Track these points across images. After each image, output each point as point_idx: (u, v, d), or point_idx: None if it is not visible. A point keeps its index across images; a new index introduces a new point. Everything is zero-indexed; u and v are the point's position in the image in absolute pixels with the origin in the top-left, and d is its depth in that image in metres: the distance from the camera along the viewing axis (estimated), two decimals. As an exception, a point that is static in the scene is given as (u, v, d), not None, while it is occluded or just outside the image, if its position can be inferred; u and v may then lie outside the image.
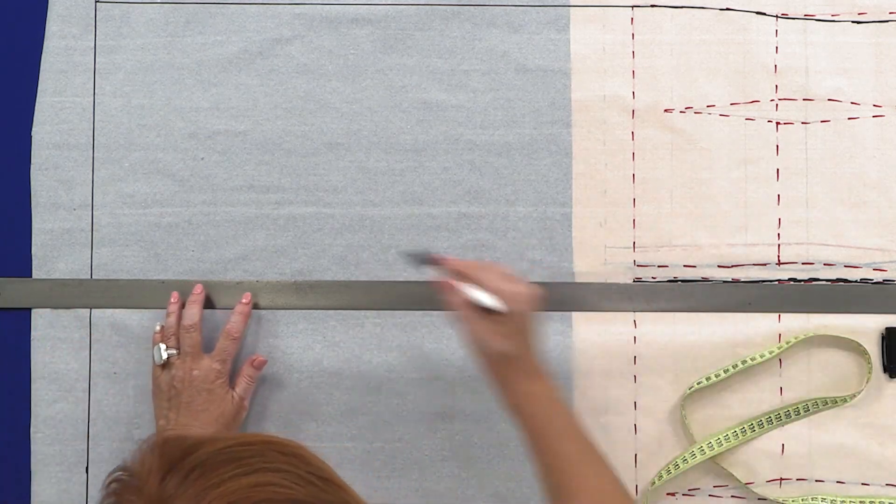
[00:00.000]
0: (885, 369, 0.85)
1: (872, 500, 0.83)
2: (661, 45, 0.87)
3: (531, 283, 0.74)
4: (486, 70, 0.87)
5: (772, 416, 0.84)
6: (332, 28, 0.87)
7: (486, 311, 0.70)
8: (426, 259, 0.76)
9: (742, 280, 0.85)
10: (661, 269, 0.86)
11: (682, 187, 0.86)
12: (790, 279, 0.85)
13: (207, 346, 0.82)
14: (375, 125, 0.86)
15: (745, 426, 0.84)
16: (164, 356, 0.80)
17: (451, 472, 0.84)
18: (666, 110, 0.86)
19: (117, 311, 0.85)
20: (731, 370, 0.83)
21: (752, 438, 0.84)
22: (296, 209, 0.86)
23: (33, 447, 0.84)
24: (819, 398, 0.84)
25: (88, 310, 0.85)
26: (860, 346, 0.84)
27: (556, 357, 0.84)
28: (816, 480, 0.84)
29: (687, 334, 0.85)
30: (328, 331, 0.85)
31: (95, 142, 0.86)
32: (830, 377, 0.85)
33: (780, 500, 0.83)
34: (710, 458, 0.83)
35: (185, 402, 0.79)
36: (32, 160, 0.86)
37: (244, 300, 0.84)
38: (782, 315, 0.85)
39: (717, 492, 0.84)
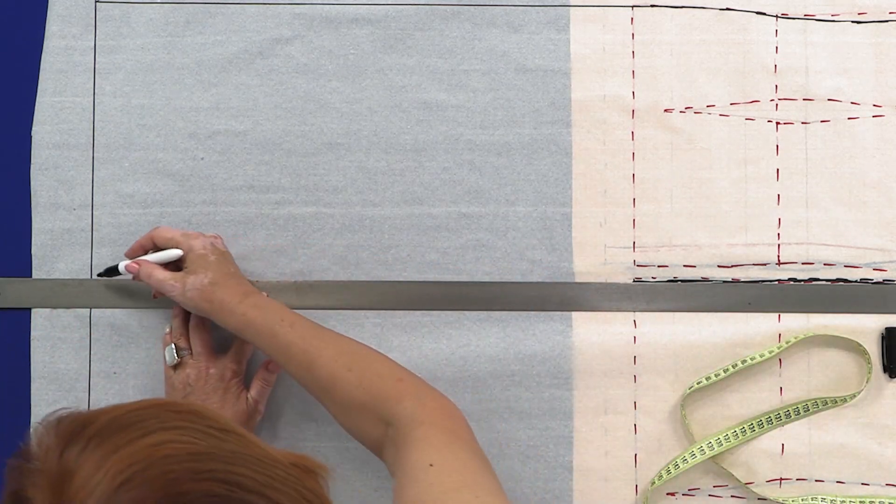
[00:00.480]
0: (885, 369, 0.85)
1: (872, 500, 0.83)
2: (661, 45, 0.87)
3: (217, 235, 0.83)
4: (486, 70, 0.87)
5: (772, 416, 0.84)
6: (332, 28, 0.87)
7: (171, 267, 0.80)
8: (110, 269, 0.83)
9: (742, 280, 0.86)
10: (661, 269, 0.86)
11: (682, 187, 0.86)
12: (790, 279, 0.86)
13: (217, 346, 0.83)
14: (375, 125, 0.86)
15: (745, 426, 0.84)
16: (177, 357, 0.81)
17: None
18: (666, 110, 0.86)
19: (117, 311, 0.85)
20: (731, 370, 0.83)
21: (752, 438, 0.84)
22: (296, 209, 0.86)
23: (33, 447, 0.84)
24: (819, 398, 0.84)
25: (88, 310, 0.85)
26: (860, 346, 0.84)
27: (556, 357, 0.84)
28: (816, 480, 0.84)
29: (687, 334, 0.85)
30: (328, 331, 0.85)
31: (95, 142, 0.86)
32: (830, 377, 0.85)
33: (780, 500, 0.83)
34: (710, 458, 0.83)
35: (199, 401, 0.79)
36: (32, 160, 0.86)
37: None
38: (782, 315, 0.85)
39: (717, 492, 0.84)
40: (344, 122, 0.86)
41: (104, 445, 0.47)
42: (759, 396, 0.85)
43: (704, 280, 0.86)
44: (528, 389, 0.84)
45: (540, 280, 0.85)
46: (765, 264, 0.86)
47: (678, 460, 0.83)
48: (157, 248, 0.82)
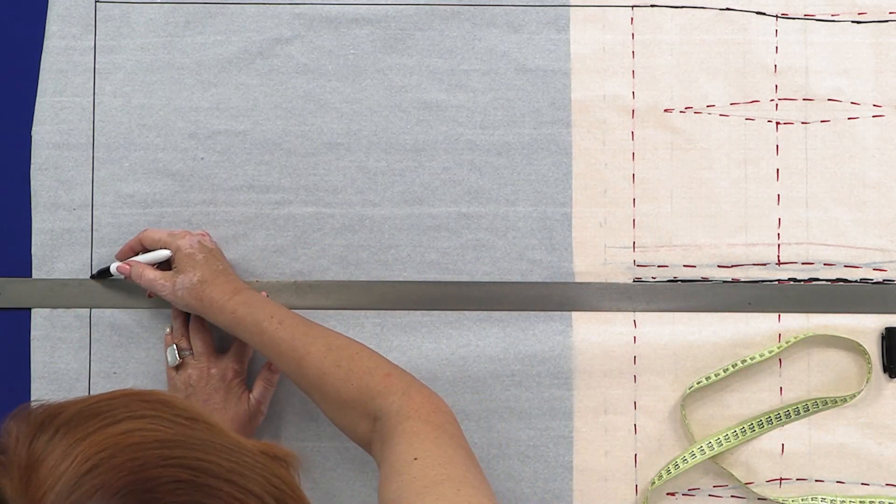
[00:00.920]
0: (885, 369, 0.85)
1: (872, 500, 0.83)
2: (661, 45, 0.87)
3: (205, 233, 0.83)
4: (486, 70, 0.87)
5: (772, 416, 0.84)
6: (332, 28, 0.87)
7: (161, 267, 0.81)
8: (102, 271, 0.84)
9: (742, 280, 0.86)
10: (661, 269, 0.86)
11: (682, 187, 0.86)
12: (790, 279, 0.86)
13: (217, 346, 0.83)
14: (375, 125, 0.86)
15: (745, 426, 0.84)
16: (178, 358, 0.81)
17: (451, 472, 0.84)
18: (666, 110, 0.86)
19: (117, 311, 0.85)
20: (731, 370, 0.83)
21: (752, 438, 0.84)
22: (296, 209, 0.86)
23: (33, 447, 0.84)
24: (819, 398, 0.84)
25: (88, 310, 0.85)
26: (860, 346, 0.84)
27: (556, 357, 0.84)
28: (816, 480, 0.84)
29: (687, 334, 0.85)
30: (328, 331, 0.85)
31: (95, 142, 0.86)
32: (830, 377, 0.85)
33: (780, 500, 0.83)
34: (710, 458, 0.83)
35: (201, 401, 0.79)
36: (32, 160, 0.86)
37: None
38: (782, 315, 0.85)
39: (717, 492, 0.84)
40: (344, 122, 0.86)
41: (72, 434, 0.47)
42: (759, 396, 0.85)
43: (704, 280, 0.86)
44: (528, 389, 0.84)
45: (540, 280, 0.85)
46: (765, 264, 0.86)
47: (678, 460, 0.83)
48: (147, 250, 0.82)
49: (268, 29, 0.87)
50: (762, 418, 0.84)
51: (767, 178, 0.86)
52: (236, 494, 0.46)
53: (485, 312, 0.85)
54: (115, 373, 0.85)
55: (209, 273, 0.79)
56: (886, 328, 0.84)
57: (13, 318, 0.85)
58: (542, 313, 0.85)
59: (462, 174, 0.86)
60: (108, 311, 0.85)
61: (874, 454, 0.84)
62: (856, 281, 0.85)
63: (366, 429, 0.70)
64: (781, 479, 0.84)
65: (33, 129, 0.86)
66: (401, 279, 0.86)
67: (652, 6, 0.87)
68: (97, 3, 0.87)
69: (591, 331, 0.85)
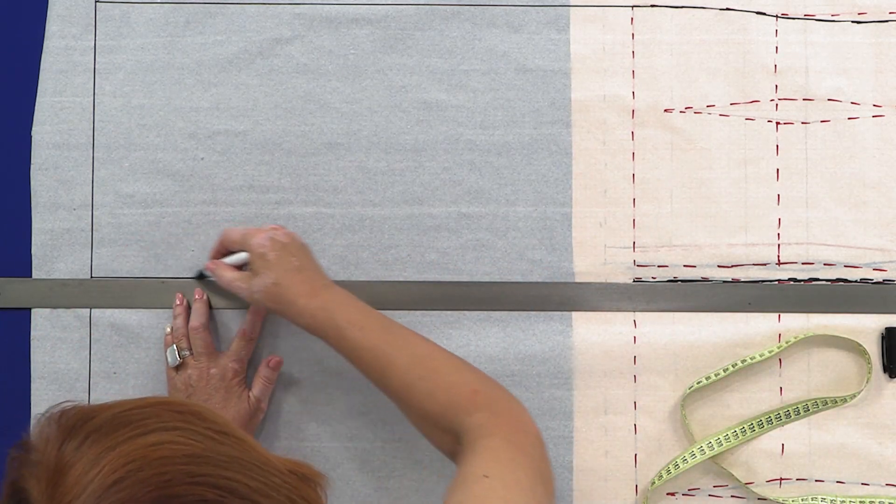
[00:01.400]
0: (885, 369, 0.85)
1: (872, 500, 0.83)
2: (661, 45, 0.87)
3: (279, 227, 0.81)
4: (486, 70, 0.87)
5: (772, 416, 0.84)
6: (332, 28, 0.87)
7: (241, 268, 0.80)
8: (200, 273, 0.84)
9: (742, 280, 0.86)
10: (661, 269, 0.86)
11: (682, 187, 0.86)
12: (790, 279, 0.86)
13: (217, 346, 0.83)
14: (375, 125, 0.86)
15: (745, 426, 0.84)
16: (179, 358, 0.81)
17: (451, 472, 0.84)
18: (666, 110, 0.86)
19: (117, 311, 0.85)
20: (731, 369, 0.83)
21: (752, 438, 0.84)
22: (296, 209, 0.86)
23: (33, 447, 0.84)
24: (819, 398, 0.84)
25: (88, 310, 0.85)
26: (860, 346, 0.84)
27: (556, 357, 0.84)
28: (816, 480, 0.84)
29: (687, 334, 0.85)
30: (328, 331, 0.85)
31: (95, 142, 0.86)
32: (830, 377, 0.85)
33: (780, 500, 0.83)
34: (710, 458, 0.83)
35: (202, 401, 0.79)
36: (32, 160, 0.86)
37: None
38: (782, 315, 0.85)
39: (717, 492, 0.84)
40: (344, 122, 0.86)
41: (102, 441, 0.47)
42: (759, 396, 0.85)
43: (704, 280, 0.86)
44: (528, 389, 0.84)
45: (540, 280, 0.85)
46: (765, 264, 0.86)
47: (678, 460, 0.83)
48: (229, 251, 0.82)
49: (268, 29, 0.87)
50: (762, 418, 0.84)
51: (767, 178, 0.86)
52: None
53: (485, 312, 0.85)
54: (115, 373, 0.85)
55: (283, 273, 0.76)
56: (886, 328, 0.84)
57: (13, 318, 0.85)
58: (542, 313, 0.85)
59: (462, 174, 0.86)
60: (108, 311, 0.85)
61: (874, 454, 0.84)
62: (856, 281, 0.85)
63: (450, 442, 0.70)
64: (781, 479, 0.84)
65: (33, 129, 0.86)
66: (401, 279, 0.86)
67: (652, 6, 0.87)
68: (97, 3, 0.87)
69: (591, 331, 0.85)
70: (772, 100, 0.86)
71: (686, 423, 0.84)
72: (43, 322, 0.85)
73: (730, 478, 0.84)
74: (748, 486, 0.84)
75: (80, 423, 0.49)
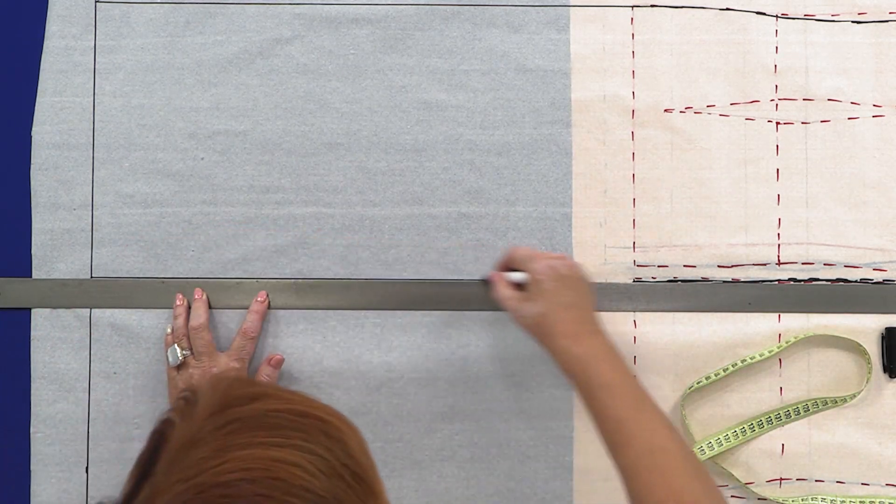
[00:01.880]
0: (885, 369, 0.85)
1: (872, 500, 0.83)
2: (661, 45, 0.87)
3: (564, 256, 0.79)
4: (486, 70, 0.87)
5: (772, 416, 0.84)
6: (332, 28, 0.87)
7: (518, 286, 0.78)
8: (483, 280, 0.83)
9: (742, 280, 0.86)
10: (661, 269, 0.86)
11: (682, 187, 0.86)
12: (790, 279, 0.86)
13: (217, 346, 0.83)
14: (375, 125, 0.86)
15: (745, 426, 0.84)
16: (180, 357, 0.81)
17: (451, 472, 0.84)
18: (666, 110, 0.86)
19: (117, 311, 0.85)
20: (731, 369, 0.83)
21: (752, 438, 0.84)
22: (296, 209, 0.86)
23: (33, 447, 0.84)
24: (819, 398, 0.84)
25: (88, 310, 0.85)
26: (860, 346, 0.84)
27: (556, 357, 0.84)
28: (816, 480, 0.84)
29: (687, 334, 0.85)
30: (328, 331, 0.85)
31: (95, 142, 0.86)
32: (830, 377, 0.85)
33: (780, 500, 0.83)
34: (710, 458, 0.83)
35: None
36: (32, 160, 0.86)
37: (259, 298, 0.84)
38: (782, 315, 0.85)
39: (717, 492, 0.84)
40: (344, 122, 0.86)
41: (237, 434, 0.46)
42: (759, 396, 0.85)
43: (704, 280, 0.86)
44: (528, 389, 0.84)
45: (540, 280, 0.85)
46: (765, 264, 0.86)
47: (678, 460, 0.83)
48: (513, 268, 0.80)
49: (268, 29, 0.87)
50: (762, 418, 0.84)
51: (767, 178, 0.86)
52: None
53: (485, 312, 0.85)
54: (115, 373, 0.85)
55: (553, 306, 0.74)
56: (886, 328, 0.84)
57: (13, 318, 0.85)
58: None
59: (462, 174, 0.86)
60: (108, 311, 0.85)
61: (874, 454, 0.84)
62: (856, 281, 0.85)
63: None
64: (781, 479, 0.84)
65: (33, 129, 0.86)
66: (401, 279, 0.86)
67: (652, 6, 0.87)
68: (97, 3, 0.87)
69: (591, 331, 0.85)
70: (772, 100, 0.86)
71: (686, 423, 0.84)
72: (43, 322, 0.85)
73: (730, 478, 0.84)
74: (748, 486, 0.84)
75: (237, 401, 0.47)
